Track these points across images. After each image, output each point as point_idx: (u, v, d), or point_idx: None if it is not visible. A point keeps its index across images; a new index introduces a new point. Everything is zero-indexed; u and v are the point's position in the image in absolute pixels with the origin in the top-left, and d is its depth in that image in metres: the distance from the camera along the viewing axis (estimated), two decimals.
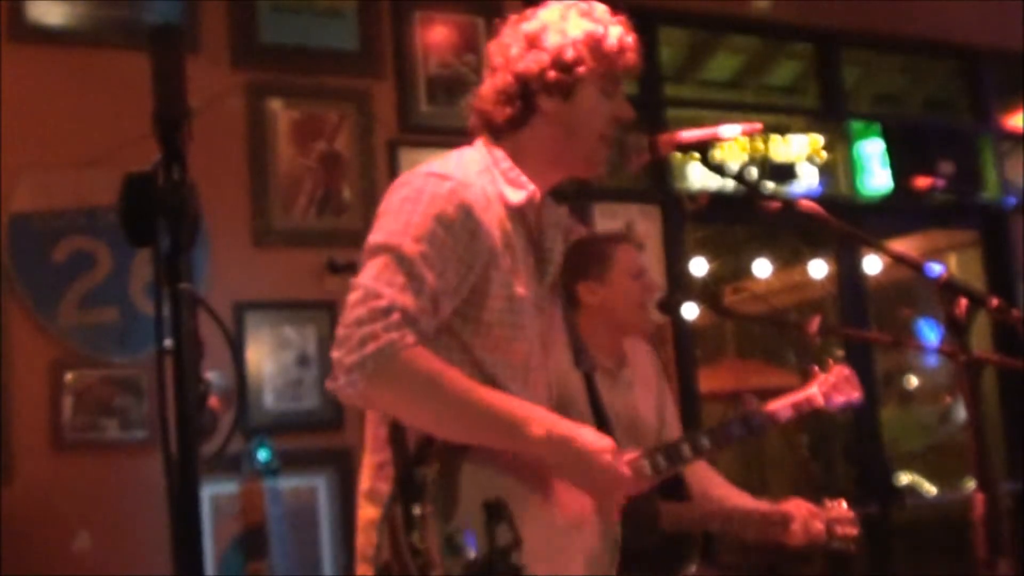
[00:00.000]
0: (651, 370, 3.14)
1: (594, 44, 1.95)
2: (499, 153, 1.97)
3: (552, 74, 1.93)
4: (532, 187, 1.95)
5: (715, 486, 2.95)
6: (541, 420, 1.83)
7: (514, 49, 1.98)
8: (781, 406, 2.68)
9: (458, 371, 1.80)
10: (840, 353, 5.37)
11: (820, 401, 2.73)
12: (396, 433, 1.81)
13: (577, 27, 1.96)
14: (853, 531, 2.83)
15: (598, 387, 2.54)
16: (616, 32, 1.98)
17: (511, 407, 1.83)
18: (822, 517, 2.82)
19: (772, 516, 2.80)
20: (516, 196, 1.94)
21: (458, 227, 1.83)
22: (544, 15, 2.00)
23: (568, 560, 1.90)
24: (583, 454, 1.84)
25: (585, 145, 1.98)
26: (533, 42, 1.96)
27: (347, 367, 1.71)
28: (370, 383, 1.71)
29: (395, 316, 1.72)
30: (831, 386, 2.75)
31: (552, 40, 1.95)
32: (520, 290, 1.91)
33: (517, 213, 1.95)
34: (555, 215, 2.06)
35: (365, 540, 1.90)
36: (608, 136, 1.99)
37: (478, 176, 1.92)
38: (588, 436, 1.87)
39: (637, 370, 3.06)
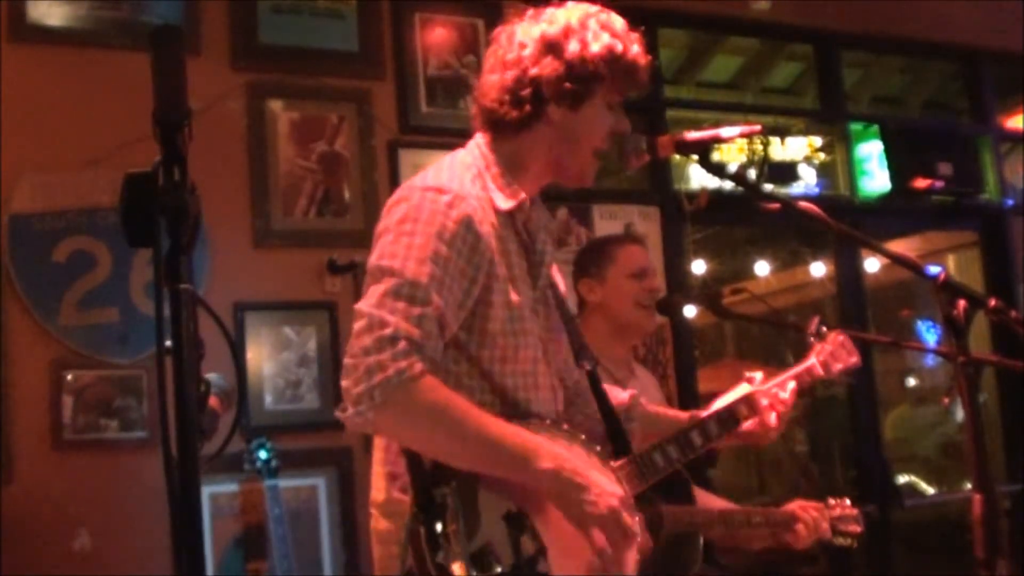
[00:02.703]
0: (658, 400, 3.12)
1: (613, 60, 1.93)
2: (492, 156, 1.96)
3: (568, 85, 1.91)
4: (523, 194, 1.95)
5: (713, 503, 2.92)
6: (551, 454, 1.79)
7: (529, 50, 1.94)
8: (782, 381, 2.64)
9: (467, 399, 1.78)
10: None
11: (820, 371, 2.67)
12: (411, 451, 1.80)
13: (598, 40, 1.93)
14: (858, 528, 2.82)
15: (601, 383, 2.53)
16: (635, 50, 1.96)
17: (520, 439, 1.79)
18: (826, 516, 2.81)
19: (776, 518, 2.77)
20: (506, 203, 1.93)
21: (459, 241, 1.81)
22: (563, 19, 1.96)
23: (592, 560, 1.87)
24: (588, 493, 1.78)
25: (582, 156, 1.98)
26: (552, 48, 1.93)
27: (355, 397, 1.70)
28: (379, 413, 1.69)
29: (401, 344, 1.70)
30: (829, 354, 2.69)
31: (572, 49, 1.92)
32: (515, 296, 1.90)
33: (508, 218, 1.94)
34: (544, 217, 2.05)
35: (383, 552, 1.90)
36: (601, 151, 1.99)
37: (472, 184, 1.90)
38: (596, 478, 1.83)
39: (646, 393, 3.05)
